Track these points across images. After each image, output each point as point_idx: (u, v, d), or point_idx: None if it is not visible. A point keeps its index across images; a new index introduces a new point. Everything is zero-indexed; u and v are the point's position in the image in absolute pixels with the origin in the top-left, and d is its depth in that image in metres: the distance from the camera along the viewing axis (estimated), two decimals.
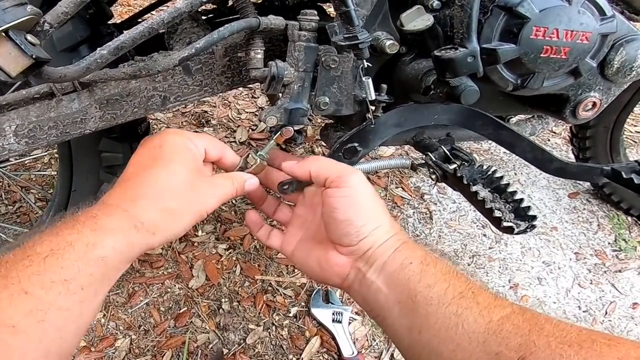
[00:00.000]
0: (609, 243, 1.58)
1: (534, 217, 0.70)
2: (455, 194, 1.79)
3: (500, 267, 1.46)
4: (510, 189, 0.73)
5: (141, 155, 0.58)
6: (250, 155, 0.66)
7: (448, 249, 1.49)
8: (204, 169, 0.62)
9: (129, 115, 0.76)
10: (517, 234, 0.70)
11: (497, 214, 0.69)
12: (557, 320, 0.47)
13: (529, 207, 0.71)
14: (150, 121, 1.81)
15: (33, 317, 0.42)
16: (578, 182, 1.78)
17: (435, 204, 1.65)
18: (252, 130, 1.83)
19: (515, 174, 1.81)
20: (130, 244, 0.50)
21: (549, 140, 2.00)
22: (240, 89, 2.06)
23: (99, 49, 0.58)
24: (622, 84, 0.80)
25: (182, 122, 1.84)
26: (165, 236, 0.53)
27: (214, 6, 1.01)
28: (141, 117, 0.78)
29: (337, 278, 0.62)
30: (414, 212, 1.61)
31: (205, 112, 1.92)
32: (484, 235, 1.56)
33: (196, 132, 1.77)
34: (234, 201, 1.52)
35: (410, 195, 1.67)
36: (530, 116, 1.01)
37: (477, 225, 1.58)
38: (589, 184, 1.74)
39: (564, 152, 1.93)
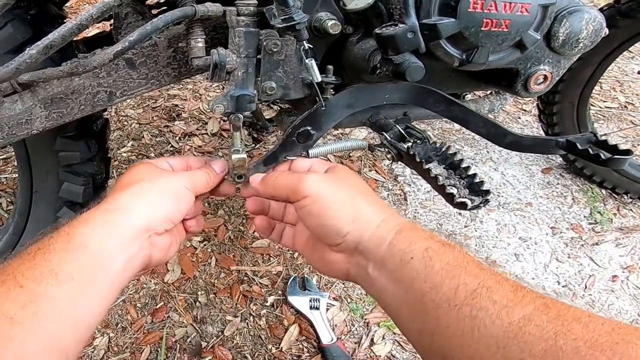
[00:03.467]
0: (584, 216, 1.60)
1: (488, 192, 0.70)
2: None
3: (476, 245, 1.48)
4: (463, 165, 0.73)
5: None
6: (231, 157, 0.68)
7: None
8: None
9: (77, 113, 0.75)
10: (470, 209, 0.70)
11: (449, 190, 0.69)
12: (586, 317, 0.41)
13: (482, 182, 0.71)
14: (120, 117, 1.80)
15: (28, 309, 0.44)
16: (550, 157, 1.80)
17: (409, 185, 1.65)
18: (224, 121, 1.82)
19: (488, 152, 1.82)
20: (108, 226, 0.51)
21: (519, 117, 2.02)
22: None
23: (28, 48, 0.57)
24: (571, 56, 0.79)
25: (152, 117, 1.82)
26: (146, 211, 0.55)
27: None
28: (90, 113, 0.77)
29: (340, 274, 0.60)
30: (388, 194, 1.61)
31: (176, 105, 1.90)
32: (459, 214, 1.57)
33: (167, 126, 1.76)
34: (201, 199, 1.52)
35: (384, 178, 1.67)
36: (487, 93, 1.01)
37: None
38: (561, 158, 1.76)
39: (535, 128, 1.95)
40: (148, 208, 0.55)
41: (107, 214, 0.53)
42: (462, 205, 0.69)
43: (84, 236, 0.50)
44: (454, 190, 0.70)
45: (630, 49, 1.52)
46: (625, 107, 2.13)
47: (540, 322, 0.41)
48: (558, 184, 1.71)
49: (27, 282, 0.45)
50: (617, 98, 2.18)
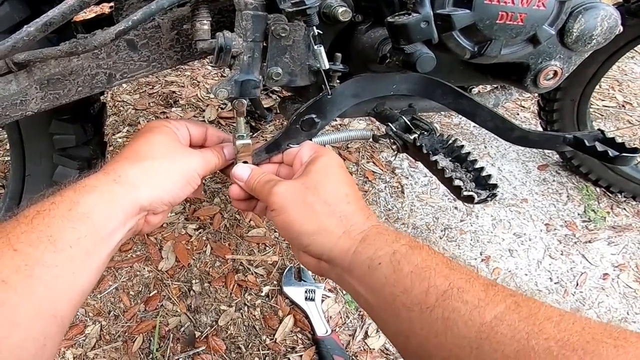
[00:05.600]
0: (578, 214, 1.61)
1: (495, 186, 0.69)
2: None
3: (471, 240, 1.48)
4: (470, 158, 0.72)
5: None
6: (236, 143, 0.68)
7: (420, 222, 1.50)
8: (187, 147, 0.65)
9: (74, 95, 0.72)
10: (477, 203, 0.69)
11: (457, 183, 0.68)
12: (557, 315, 0.42)
13: (489, 176, 0.70)
14: (116, 102, 1.77)
15: (22, 273, 0.43)
16: (547, 154, 1.80)
17: (407, 177, 1.64)
18: (222, 109, 1.80)
19: (485, 147, 1.82)
20: (113, 199, 0.51)
21: (518, 114, 2.02)
22: (209, 68, 2.01)
23: (26, 26, 0.54)
24: (583, 52, 0.78)
25: (149, 103, 1.79)
26: (153, 192, 0.55)
27: None
28: (88, 96, 0.74)
29: (314, 270, 0.61)
30: (385, 187, 1.60)
31: (174, 92, 1.87)
32: (456, 208, 1.56)
33: (164, 112, 1.74)
34: (203, 181, 1.50)
35: (382, 170, 1.66)
36: (493, 87, 1.00)
37: (448, 199, 1.58)
38: (557, 156, 1.76)
39: (533, 125, 1.95)
40: (155, 190, 0.55)
41: (114, 186, 0.52)
42: (469, 199, 0.68)
43: (87, 205, 0.49)
44: (460, 183, 0.69)
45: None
46: (623, 106, 2.13)
47: (512, 322, 0.42)
48: (554, 181, 1.71)
49: (22, 246, 0.44)
50: (615, 97, 2.18)
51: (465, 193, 0.68)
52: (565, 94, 1.47)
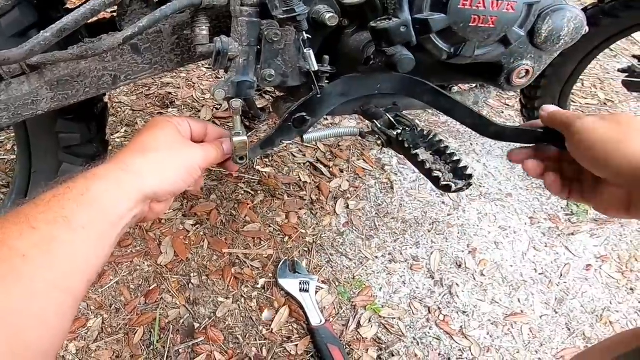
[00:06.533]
0: (561, 208, 1.67)
1: (470, 176, 0.74)
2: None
3: (459, 233, 1.54)
4: (449, 151, 0.78)
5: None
6: (233, 140, 0.71)
7: (409, 216, 1.56)
8: (189, 141, 0.68)
9: (81, 95, 0.78)
10: (454, 191, 0.74)
11: (435, 173, 0.74)
12: None
13: (466, 167, 0.76)
14: (114, 104, 1.81)
15: (40, 248, 0.46)
16: None
17: (396, 174, 1.70)
18: (217, 109, 1.85)
19: (471, 144, 1.88)
20: (120, 186, 0.55)
21: (502, 112, 2.08)
22: (204, 69, 2.07)
23: (42, 31, 0.60)
24: (552, 52, 0.84)
25: (146, 104, 1.84)
26: (157, 181, 0.58)
27: None
28: (94, 96, 0.80)
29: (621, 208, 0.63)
30: (375, 183, 1.66)
31: (170, 93, 1.92)
32: (443, 202, 1.62)
33: (160, 113, 1.78)
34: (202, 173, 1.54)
35: (372, 167, 1.72)
36: (473, 86, 1.06)
37: (436, 194, 1.65)
38: None
39: (517, 122, 2.01)
40: (158, 179, 0.59)
41: (122, 174, 0.56)
42: (447, 188, 0.74)
43: (97, 191, 0.52)
44: (439, 174, 0.75)
45: (612, 47, 1.59)
46: (605, 104, 2.21)
47: None
48: None
49: (40, 225, 0.47)
50: (597, 95, 2.26)
51: (443, 182, 0.74)
52: (545, 92, 1.53)
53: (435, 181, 0.74)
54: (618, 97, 2.25)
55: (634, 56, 1.69)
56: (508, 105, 2.12)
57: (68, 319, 0.47)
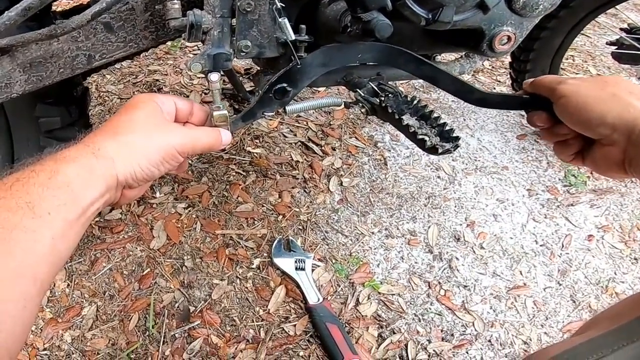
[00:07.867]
0: (559, 179, 1.66)
1: (457, 138, 0.73)
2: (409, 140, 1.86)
3: (455, 207, 1.52)
4: (434, 115, 0.77)
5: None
6: (213, 114, 0.69)
7: (404, 191, 1.55)
8: (170, 122, 0.64)
9: (56, 76, 0.77)
10: (441, 153, 0.73)
11: (420, 136, 0.73)
12: None
13: (452, 130, 0.75)
14: (101, 93, 1.80)
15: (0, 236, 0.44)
16: (525, 124, 1.84)
17: (389, 150, 1.69)
18: (205, 94, 1.83)
19: (464, 119, 1.87)
20: (92, 171, 0.52)
21: (494, 88, 2.06)
22: (192, 56, 2.04)
23: (7, 11, 0.58)
24: (533, 17, 0.83)
25: (133, 92, 1.82)
26: (129, 168, 0.55)
27: None
28: (70, 77, 0.79)
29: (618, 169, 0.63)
30: (369, 159, 1.65)
31: (157, 80, 1.90)
32: (438, 177, 1.61)
33: None
34: (190, 161, 1.53)
35: (364, 144, 1.71)
36: (458, 56, 1.05)
37: (430, 168, 1.63)
38: None
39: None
40: (130, 166, 0.56)
41: (93, 160, 0.53)
42: (433, 150, 0.73)
43: (67, 175, 0.50)
44: (424, 137, 0.74)
45: (601, 22, 1.58)
46: None
47: None
48: (533, 149, 1.76)
49: (0, 212, 0.45)
50: (588, 70, 2.24)
51: (429, 144, 0.73)
52: (534, 66, 1.53)
53: (421, 143, 0.73)
54: (610, 72, 2.24)
55: (622, 29, 1.68)
56: (500, 81, 2.10)
57: (32, 307, 0.45)
